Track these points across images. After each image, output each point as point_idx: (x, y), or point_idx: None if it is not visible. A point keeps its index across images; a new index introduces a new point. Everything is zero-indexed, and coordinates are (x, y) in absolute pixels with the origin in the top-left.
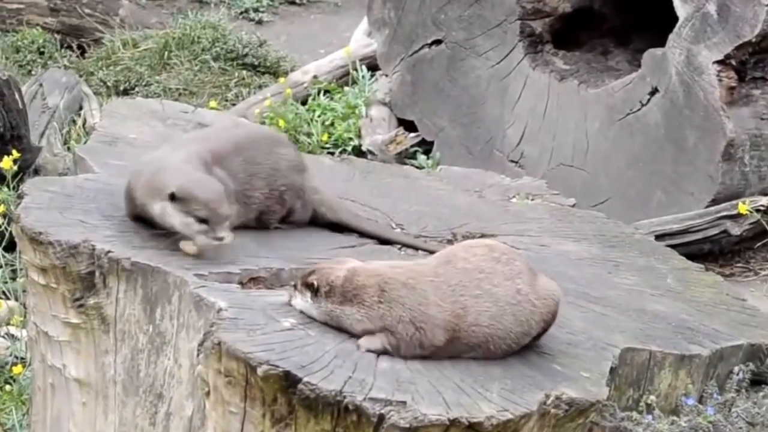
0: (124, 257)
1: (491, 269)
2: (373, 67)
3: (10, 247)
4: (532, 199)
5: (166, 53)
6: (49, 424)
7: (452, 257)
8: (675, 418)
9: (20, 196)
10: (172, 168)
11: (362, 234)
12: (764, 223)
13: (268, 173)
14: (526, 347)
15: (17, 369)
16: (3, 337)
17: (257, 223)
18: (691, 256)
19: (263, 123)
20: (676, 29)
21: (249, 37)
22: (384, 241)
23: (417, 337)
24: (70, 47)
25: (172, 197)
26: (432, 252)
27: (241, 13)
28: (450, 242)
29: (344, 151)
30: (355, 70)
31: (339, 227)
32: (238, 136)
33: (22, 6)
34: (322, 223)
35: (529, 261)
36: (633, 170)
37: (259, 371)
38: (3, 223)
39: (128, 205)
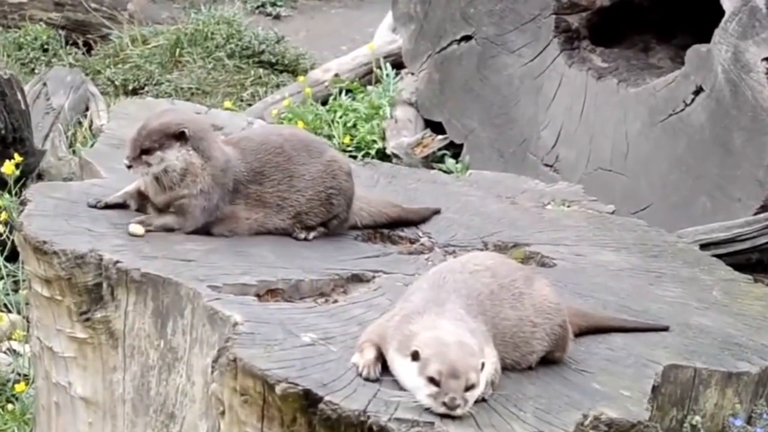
0: (133, 268)
1: (499, 300)
2: (398, 65)
3: (12, 257)
4: (569, 206)
5: (178, 50)
6: None
7: (474, 293)
8: None
9: (23, 203)
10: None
11: (412, 222)
12: None
13: (313, 176)
14: (555, 362)
15: (20, 387)
16: (5, 353)
17: (292, 224)
18: (739, 267)
19: (281, 124)
20: (722, 24)
21: (266, 32)
22: (414, 244)
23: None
24: (75, 44)
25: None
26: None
27: (258, 7)
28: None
29: (367, 154)
30: (379, 68)
31: (379, 227)
32: (279, 137)
33: (24, 0)
34: (362, 227)
35: (525, 268)
36: (676, 175)
37: (278, 389)
38: (5, 232)
39: None
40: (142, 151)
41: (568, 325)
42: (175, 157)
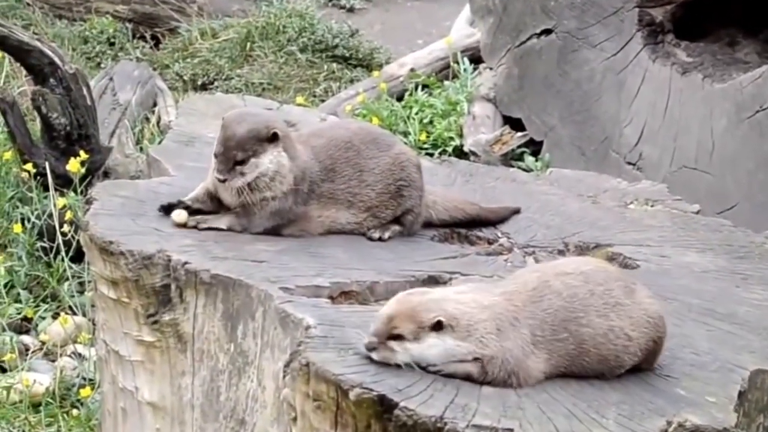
0: (202, 269)
1: (584, 305)
2: (476, 60)
3: (78, 257)
4: (652, 205)
5: (249, 44)
6: None
7: (546, 288)
8: None
9: (89, 202)
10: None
11: (490, 222)
12: None
13: (382, 169)
14: (639, 369)
15: (85, 391)
16: (70, 356)
17: (364, 219)
18: None
19: (348, 119)
20: None
21: (339, 26)
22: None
23: (504, 381)
24: (143, 37)
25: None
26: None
27: None
28: (561, 253)
29: (444, 151)
30: (457, 62)
31: (452, 225)
32: (347, 132)
33: None
34: (437, 224)
35: (627, 278)
36: (763, 173)
37: (352, 395)
38: (70, 231)
39: None
40: (236, 162)
41: (663, 340)
42: (268, 160)
